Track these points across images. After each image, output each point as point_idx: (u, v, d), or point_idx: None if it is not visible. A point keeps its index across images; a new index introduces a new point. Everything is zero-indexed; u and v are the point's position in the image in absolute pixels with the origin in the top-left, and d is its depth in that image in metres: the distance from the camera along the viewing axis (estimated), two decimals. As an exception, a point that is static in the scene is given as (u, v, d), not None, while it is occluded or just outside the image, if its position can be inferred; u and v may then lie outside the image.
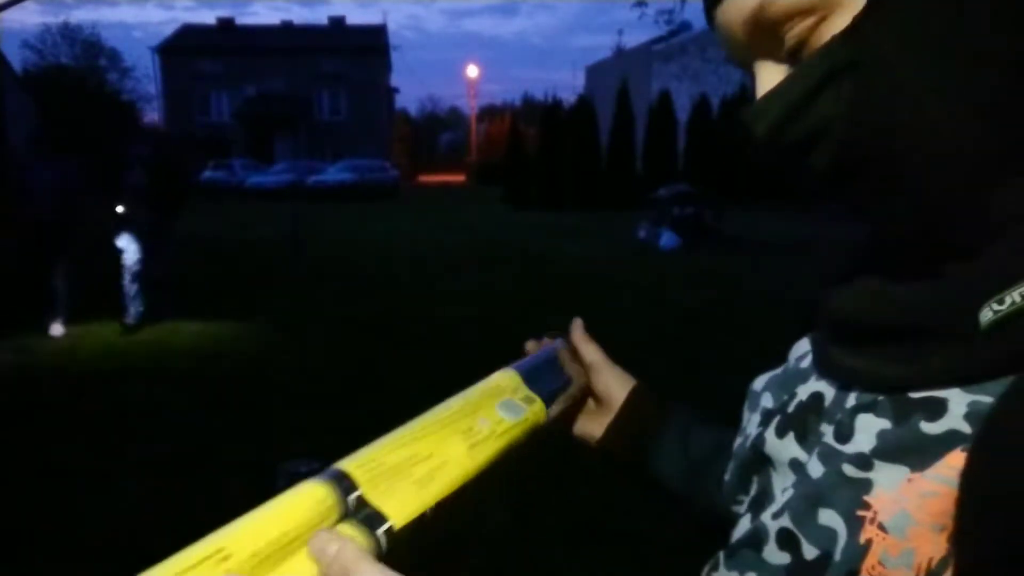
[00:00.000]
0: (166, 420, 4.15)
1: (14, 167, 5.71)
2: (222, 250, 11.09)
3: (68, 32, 35.13)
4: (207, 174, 28.82)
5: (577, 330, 0.70)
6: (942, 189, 0.38)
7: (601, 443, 0.69)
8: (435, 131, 72.46)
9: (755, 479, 0.50)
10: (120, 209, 5.89)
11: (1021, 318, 0.36)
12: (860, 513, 0.39)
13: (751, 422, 0.53)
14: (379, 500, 0.43)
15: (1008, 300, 0.37)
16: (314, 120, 39.02)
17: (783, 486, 0.46)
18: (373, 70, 41.03)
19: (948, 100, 0.37)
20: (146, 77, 41.47)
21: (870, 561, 0.38)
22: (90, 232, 6.02)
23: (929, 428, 0.38)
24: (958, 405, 0.38)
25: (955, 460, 0.37)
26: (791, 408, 0.48)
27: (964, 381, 0.38)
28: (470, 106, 58.34)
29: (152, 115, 38.73)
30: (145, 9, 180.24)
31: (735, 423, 0.57)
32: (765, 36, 0.42)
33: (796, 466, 0.46)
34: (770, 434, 0.48)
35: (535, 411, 0.59)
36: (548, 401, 0.61)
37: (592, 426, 0.69)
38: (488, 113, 62.46)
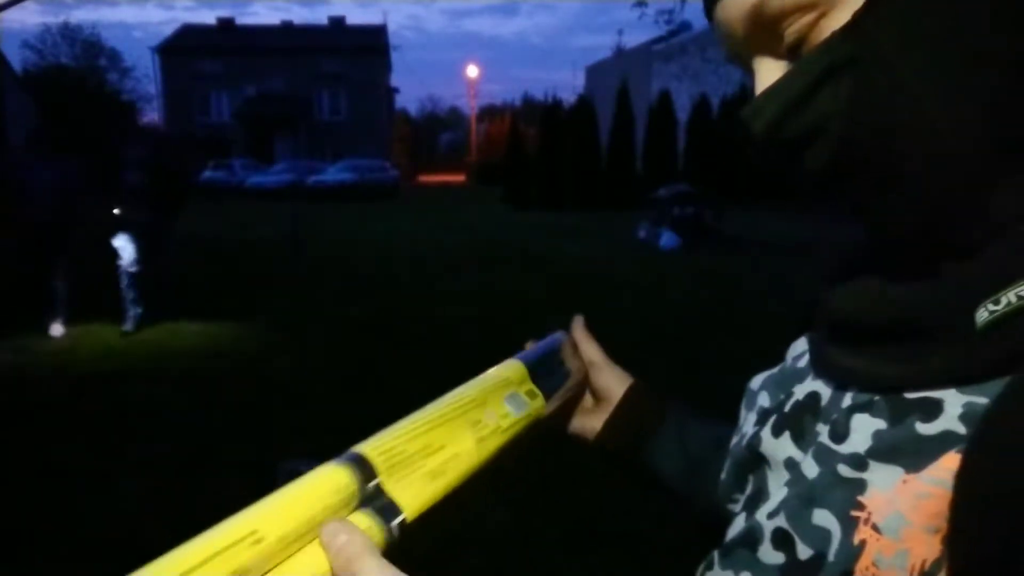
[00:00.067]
0: (166, 420, 4.15)
1: (13, 167, 5.69)
2: (222, 250, 11.09)
3: (68, 32, 35.19)
4: (207, 174, 28.82)
5: (579, 327, 0.71)
6: (941, 188, 0.38)
7: (599, 439, 0.69)
8: (435, 131, 72.47)
9: (751, 478, 0.50)
10: (116, 210, 5.87)
11: (1017, 318, 0.36)
12: (854, 514, 0.39)
13: (748, 421, 0.53)
14: (394, 490, 0.43)
15: (1004, 300, 0.36)
16: (314, 120, 39.05)
17: (778, 485, 0.46)
18: (373, 70, 41.05)
19: (948, 99, 0.36)
20: (146, 77, 41.58)
21: (864, 562, 0.38)
22: (90, 232, 6.02)
23: (924, 429, 0.38)
24: (953, 406, 0.38)
25: (950, 462, 0.37)
26: (788, 407, 0.48)
27: (960, 382, 0.38)
28: (470, 106, 58.41)
29: (152, 115, 38.79)
30: (145, 9, 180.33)
31: (734, 422, 0.57)
32: (764, 32, 0.42)
33: (791, 465, 0.45)
34: (766, 433, 0.48)
35: (536, 406, 0.59)
36: (548, 396, 0.61)
37: (590, 423, 0.69)
38: (488, 113, 62.46)
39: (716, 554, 0.46)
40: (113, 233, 5.95)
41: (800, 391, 0.48)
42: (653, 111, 20.61)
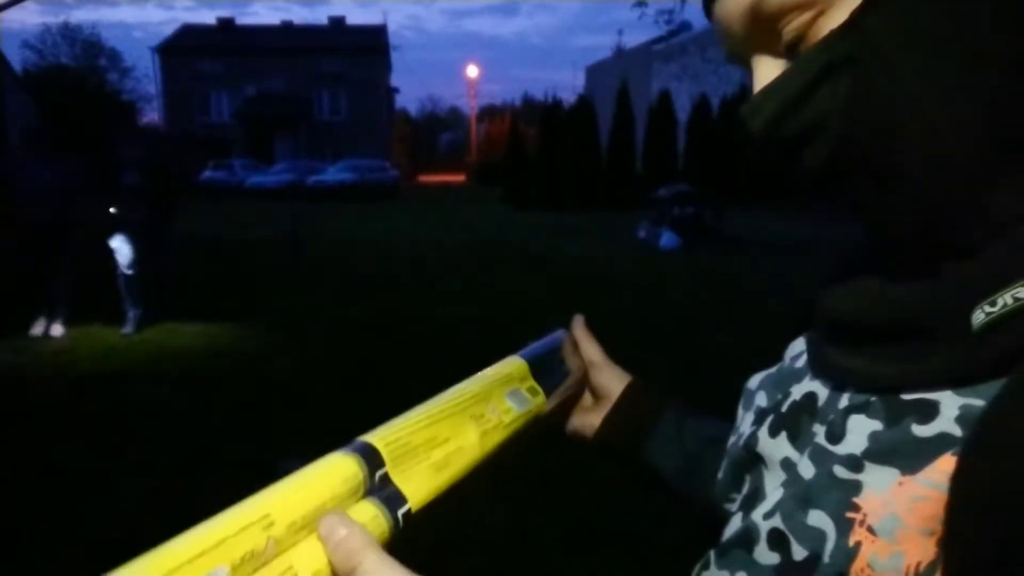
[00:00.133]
0: (166, 420, 4.15)
1: (13, 166, 5.67)
2: (222, 250, 11.09)
3: (68, 32, 35.22)
4: (207, 174, 28.83)
5: (579, 326, 0.71)
6: (940, 188, 0.38)
7: (597, 437, 0.69)
8: (435, 131, 72.48)
9: (748, 478, 0.50)
10: (113, 210, 5.85)
11: (1013, 320, 0.36)
12: (849, 515, 0.39)
13: (745, 420, 0.53)
14: (400, 480, 0.43)
15: (1000, 302, 0.36)
16: (314, 120, 39.05)
17: (775, 485, 0.46)
18: (373, 70, 41.06)
19: (947, 98, 0.36)
20: (146, 77, 41.56)
21: (859, 564, 0.38)
22: (89, 232, 6.01)
23: (920, 431, 0.38)
24: (950, 408, 0.38)
25: (946, 464, 0.36)
26: (785, 407, 0.48)
27: (956, 383, 0.38)
28: (470, 106, 58.42)
29: (152, 115, 38.81)
30: (145, 9, 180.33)
31: (733, 421, 0.57)
32: (763, 30, 0.41)
33: (788, 466, 0.45)
34: (763, 433, 0.48)
35: (538, 403, 0.60)
36: (548, 393, 0.62)
37: (589, 420, 0.70)
38: (488, 113, 62.46)
39: (712, 554, 0.46)
40: (111, 233, 5.95)
41: (797, 391, 0.48)
42: (653, 111, 20.61)
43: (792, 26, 0.40)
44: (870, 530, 0.38)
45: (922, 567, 0.37)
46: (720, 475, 0.54)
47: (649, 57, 29.23)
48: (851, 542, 0.38)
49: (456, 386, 0.53)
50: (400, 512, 0.42)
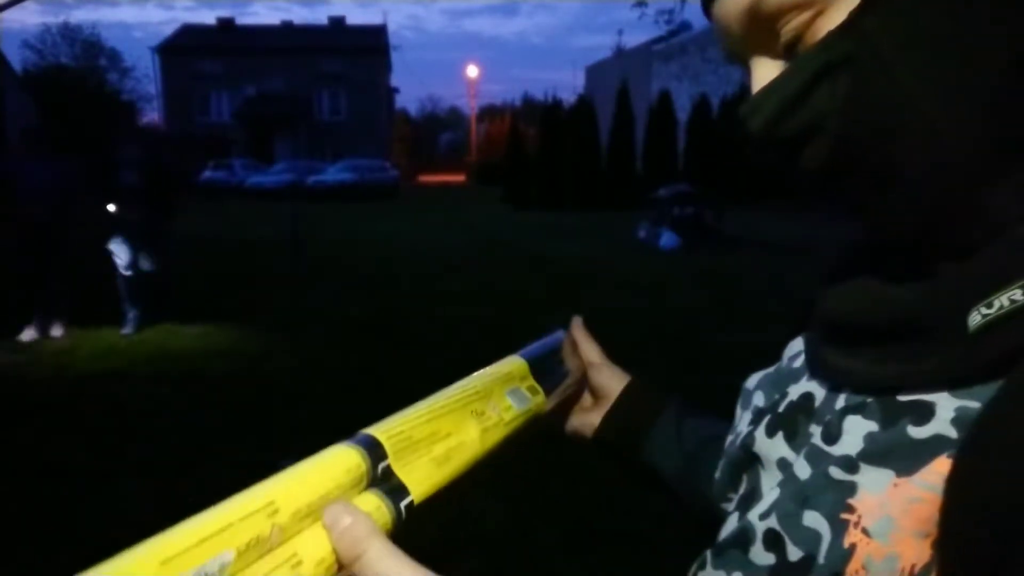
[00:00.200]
0: (166, 420, 4.15)
1: (12, 166, 5.67)
2: (222, 250, 11.09)
3: (68, 32, 35.22)
4: (207, 174, 28.85)
5: (578, 326, 0.71)
6: (939, 188, 0.38)
7: (596, 436, 0.69)
8: (435, 131, 72.49)
9: (745, 477, 0.50)
10: (112, 207, 5.83)
11: (1009, 322, 0.36)
12: (844, 516, 0.39)
13: (743, 420, 0.53)
14: (402, 473, 0.43)
15: (996, 304, 0.36)
16: (314, 120, 39.05)
17: (771, 486, 0.46)
18: (373, 70, 41.08)
19: (946, 98, 0.36)
20: (146, 77, 41.51)
21: (854, 565, 0.38)
22: (88, 232, 6.00)
23: (916, 432, 0.38)
24: (946, 409, 0.38)
25: (941, 466, 0.36)
26: (782, 407, 0.48)
27: (952, 385, 0.38)
28: (470, 106, 58.50)
29: (152, 115, 38.81)
30: (145, 9, 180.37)
31: (733, 421, 0.57)
32: (761, 31, 0.41)
33: (784, 466, 0.45)
34: (760, 433, 0.48)
35: (537, 402, 0.60)
36: (547, 393, 0.62)
37: (588, 420, 0.70)
38: (488, 113, 62.49)
39: (709, 554, 0.46)
40: (110, 233, 5.94)
41: (795, 391, 0.48)
42: (653, 111, 20.62)
43: (790, 26, 0.40)
44: (865, 532, 0.38)
45: (917, 569, 0.36)
46: (718, 475, 0.54)
47: (649, 57, 29.23)
48: (846, 543, 0.38)
49: (458, 383, 0.53)
50: (403, 504, 0.42)
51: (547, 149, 20.26)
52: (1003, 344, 0.36)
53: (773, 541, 0.42)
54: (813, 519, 0.40)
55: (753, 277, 8.67)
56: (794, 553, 0.40)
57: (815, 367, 0.47)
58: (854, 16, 0.37)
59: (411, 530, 0.43)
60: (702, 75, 24.41)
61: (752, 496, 0.48)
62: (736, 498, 0.50)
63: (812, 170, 0.40)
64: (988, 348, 0.36)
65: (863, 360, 0.42)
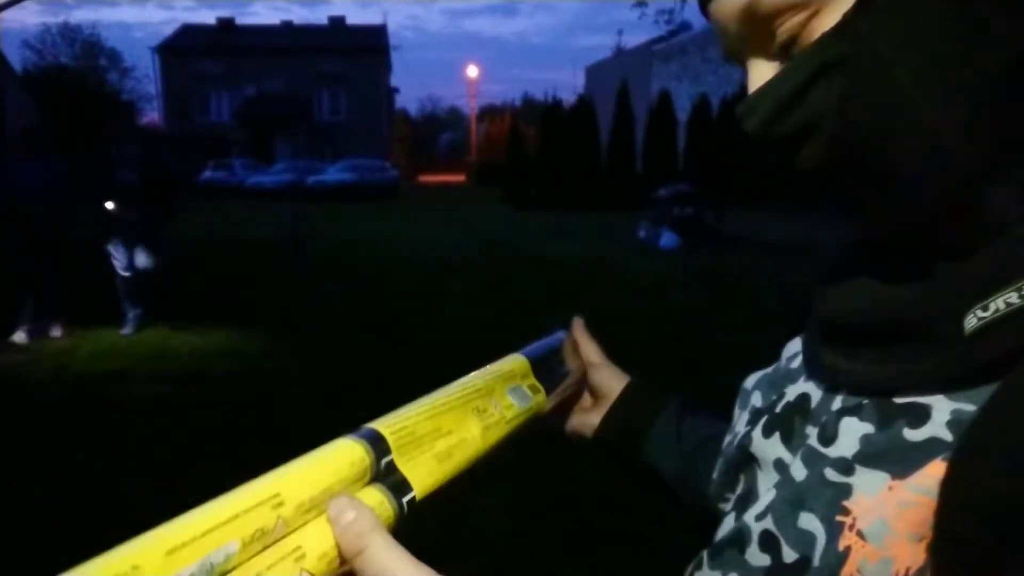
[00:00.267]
0: (166, 420, 4.15)
1: (11, 166, 5.66)
2: (222, 250, 11.09)
3: (68, 32, 35.27)
4: (207, 174, 28.82)
5: (578, 327, 0.71)
6: (938, 188, 0.38)
7: (596, 436, 0.69)
8: (435, 131, 72.49)
9: (742, 478, 0.50)
10: (110, 205, 5.81)
11: (1005, 324, 0.36)
12: (839, 519, 0.39)
13: (740, 420, 0.53)
14: (404, 468, 0.43)
15: (992, 307, 0.36)
16: (314, 120, 39.03)
17: (768, 486, 0.46)
18: (373, 70, 41.06)
19: (945, 98, 0.36)
20: (146, 77, 41.45)
21: (848, 568, 0.38)
22: (87, 232, 6.00)
23: (911, 435, 0.38)
24: (941, 412, 0.38)
25: (935, 470, 0.36)
26: (779, 408, 0.48)
27: (948, 387, 0.38)
28: (470, 106, 58.53)
29: (152, 115, 38.82)
30: (145, 9, 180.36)
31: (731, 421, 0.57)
32: (757, 31, 0.41)
33: (780, 467, 0.45)
34: (757, 433, 0.48)
35: (538, 401, 0.60)
36: (548, 392, 0.62)
37: (587, 420, 0.70)
38: (488, 113, 62.47)
39: (705, 554, 0.46)
40: (108, 233, 5.93)
41: (792, 392, 0.48)
42: (653, 111, 20.62)
43: (786, 27, 0.40)
44: (859, 534, 0.38)
45: (911, 573, 0.36)
46: (715, 475, 0.54)
47: (649, 57, 29.23)
48: (841, 546, 0.38)
49: (460, 379, 0.53)
50: (405, 500, 0.42)
51: (547, 149, 20.26)
52: (998, 347, 0.36)
53: (769, 542, 0.42)
54: (808, 521, 0.40)
55: (753, 277, 8.67)
56: (789, 555, 0.40)
57: (812, 368, 0.47)
58: (848, 17, 0.37)
59: (411, 528, 0.43)
60: (702, 75, 24.41)
61: (749, 497, 0.48)
62: (733, 498, 0.50)
63: (810, 170, 0.40)
64: (983, 351, 0.36)
65: (861, 361, 0.42)
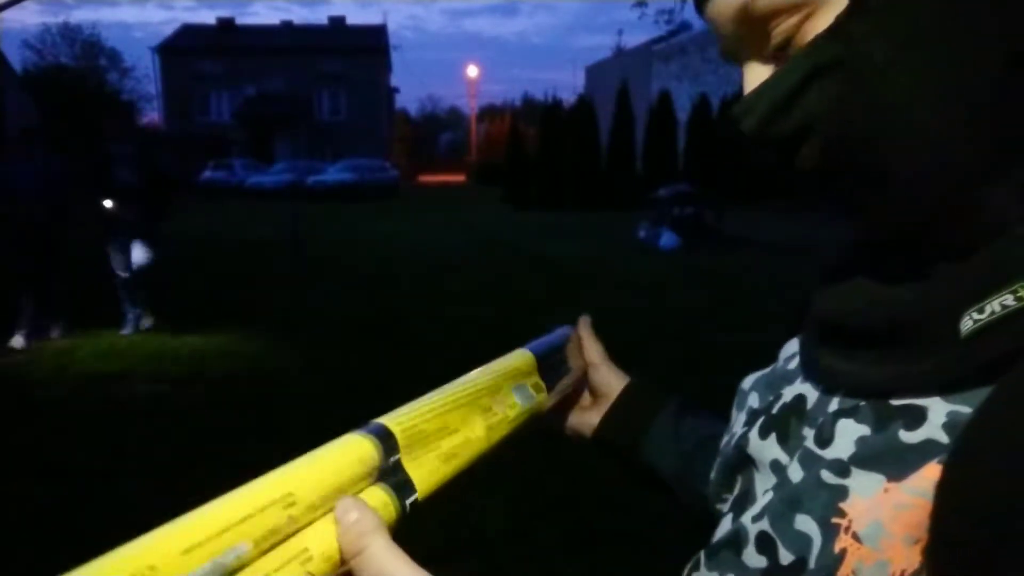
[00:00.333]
0: (166, 420, 4.15)
1: (9, 166, 5.66)
2: (222, 250, 11.09)
3: (68, 32, 35.29)
4: (207, 174, 28.82)
5: (584, 326, 0.71)
6: (936, 188, 0.37)
7: (596, 436, 0.69)
8: (435, 131, 72.48)
9: (739, 479, 0.50)
10: (109, 204, 5.80)
11: (1000, 327, 0.36)
12: (835, 520, 0.39)
13: (738, 421, 0.53)
14: (409, 467, 0.43)
15: (988, 309, 0.36)
16: (314, 120, 39.02)
17: (765, 488, 0.46)
18: (373, 70, 41.05)
19: (938, 100, 0.36)
20: (146, 77, 41.55)
21: (844, 570, 0.38)
22: (86, 232, 5.99)
23: (908, 437, 0.38)
24: (937, 414, 0.37)
25: (931, 472, 0.36)
26: (775, 409, 0.48)
27: (944, 390, 0.38)
28: (470, 106, 58.53)
29: (152, 115, 38.83)
30: (145, 9, 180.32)
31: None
32: (753, 32, 0.41)
33: (777, 468, 0.45)
34: (754, 434, 0.48)
35: (541, 400, 0.60)
36: (549, 390, 0.62)
37: (587, 420, 0.70)
38: (488, 113, 62.48)
39: (702, 554, 0.46)
40: (107, 233, 5.92)
41: (788, 393, 0.48)
42: (653, 111, 20.62)
43: (780, 29, 0.40)
44: (855, 536, 0.38)
45: (907, 575, 0.36)
46: (713, 475, 0.54)
47: (649, 57, 29.22)
48: (836, 548, 0.38)
49: (468, 375, 0.53)
50: (408, 501, 0.42)
51: (547, 149, 20.25)
52: (994, 349, 0.36)
53: (765, 544, 0.42)
54: (804, 523, 0.40)
55: (753, 277, 8.67)
56: (785, 556, 0.40)
57: (810, 369, 0.47)
58: (841, 19, 0.37)
59: (411, 529, 0.43)
60: (702, 75, 24.40)
61: (746, 498, 0.48)
62: (730, 499, 0.50)
63: (808, 170, 0.40)
64: (979, 353, 0.36)
65: (859, 362, 0.42)
